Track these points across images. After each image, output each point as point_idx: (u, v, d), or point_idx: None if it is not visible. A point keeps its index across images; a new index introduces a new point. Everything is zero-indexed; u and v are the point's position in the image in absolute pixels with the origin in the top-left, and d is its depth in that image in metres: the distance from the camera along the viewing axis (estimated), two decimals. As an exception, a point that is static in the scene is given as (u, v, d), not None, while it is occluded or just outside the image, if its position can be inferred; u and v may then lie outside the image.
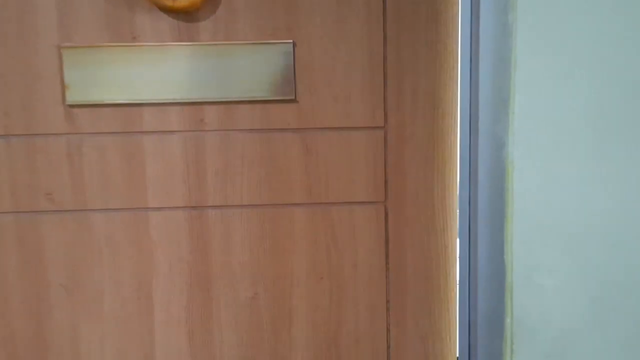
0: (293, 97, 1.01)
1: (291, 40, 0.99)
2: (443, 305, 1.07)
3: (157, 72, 0.99)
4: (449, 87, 1.02)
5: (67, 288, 1.05)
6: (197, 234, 1.04)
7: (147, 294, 1.05)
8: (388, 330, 1.07)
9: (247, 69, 1.00)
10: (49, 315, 1.05)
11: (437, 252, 1.05)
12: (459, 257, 0.86)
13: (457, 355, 1.05)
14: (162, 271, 1.05)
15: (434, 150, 1.03)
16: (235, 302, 1.06)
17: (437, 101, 1.02)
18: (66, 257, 1.04)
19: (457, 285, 0.87)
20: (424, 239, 1.05)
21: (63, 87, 1.00)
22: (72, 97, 1.00)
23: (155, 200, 1.03)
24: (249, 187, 1.03)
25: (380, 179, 1.03)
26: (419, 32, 1.00)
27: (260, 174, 1.03)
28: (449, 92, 1.02)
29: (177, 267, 1.04)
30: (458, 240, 0.85)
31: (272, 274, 1.05)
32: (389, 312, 1.07)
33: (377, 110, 1.02)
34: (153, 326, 1.06)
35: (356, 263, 1.05)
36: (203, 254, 1.04)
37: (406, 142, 1.02)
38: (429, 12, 0.99)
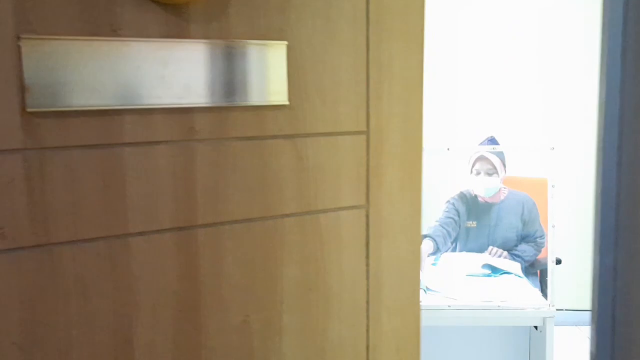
0: (286, 102, 0.95)
1: (285, 41, 0.94)
2: (411, 299, 1.12)
3: (141, 72, 0.84)
4: (417, 91, 1.07)
5: (21, 347, 0.81)
6: (186, 258, 0.91)
7: (126, 338, 0.88)
8: (368, 330, 1.08)
9: (241, 70, 0.91)
10: (2, 387, 0.80)
11: (406, 248, 1.10)
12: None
13: None
14: (145, 307, 0.89)
15: (404, 153, 1.08)
16: (225, 329, 0.95)
17: (407, 105, 1.07)
18: (21, 307, 0.81)
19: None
20: (396, 238, 1.09)
21: (22, 90, 0.77)
22: (34, 102, 0.78)
23: (137, 224, 0.87)
24: (241, 201, 0.94)
25: (363, 183, 1.04)
26: (396, 39, 1.03)
27: (253, 186, 0.94)
28: (417, 96, 1.08)
29: (163, 300, 0.90)
30: (590, 336, 0.45)
31: (262, 293, 0.98)
32: (368, 314, 1.08)
33: (361, 115, 1.02)
34: (136, 374, 0.89)
35: (341, 269, 1.04)
36: (192, 281, 0.92)
37: (383, 146, 1.05)
38: (402, 22, 1.04)
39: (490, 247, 2.87)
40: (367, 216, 1.05)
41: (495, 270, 2.65)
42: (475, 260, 2.73)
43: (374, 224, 1.06)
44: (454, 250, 2.96)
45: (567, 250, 3.22)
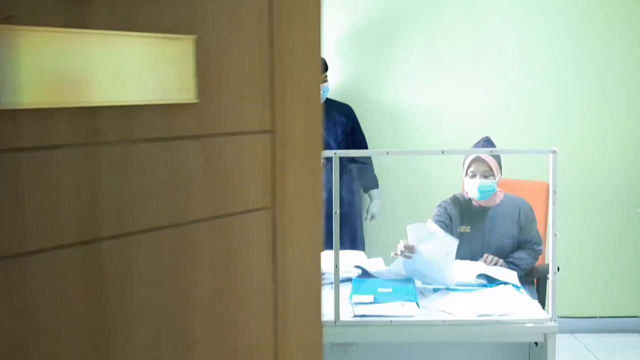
0: (194, 100, 0.89)
1: (193, 36, 0.87)
2: (313, 299, 1.12)
3: (38, 66, 0.73)
4: (316, 90, 1.07)
5: None
6: (91, 275, 0.81)
7: (25, 370, 0.76)
8: (275, 335, 1.06)
9: (147, 65, 0.83)
10: None
11: (310, 249, 1.09)
12: None
13: None
14: (47, 334, 0.78)
15: (306, 152, 1.06)
16: (135, 349, 0.87)
17: (308, 103, 1.05)
18: None
19: None
20: (301, 239, 1.07)
21: None
22: None
23: (36, 240, 0.76)
24: (149, 208, 0.86)
25: (269, 184, 1.01)
26: (297, 37, 1.02)
27: (161, 191, 0.87)
28: (316, 94, 1.07)
29: (66, 325, 0.79)
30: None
31: (173, 306, 0.91)
32: (276, 318, 1.05)
33: (266, 114, 0.99)
34: (38, 412, 0.78)
35: (250, 274, 1.00)
36: (98, 299, 0.82)
37: (287, 146, 1.03)
38: (302, 18, 1.02)
39: (486, 255, 2.64)
40: (274, 218, 1.02)
41: (491, 280, 2.42)
42: (469, 270, 2.48)
43: (280, 226, 1.03)
44: None
45: (564, 256, 3.02)
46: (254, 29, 0.95)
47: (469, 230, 2.70)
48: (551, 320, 2.13)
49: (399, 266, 2.51)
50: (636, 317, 3.74)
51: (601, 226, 3.62)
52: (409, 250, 2.44)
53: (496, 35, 3.60)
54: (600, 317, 3.64)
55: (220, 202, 0.95)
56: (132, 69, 0.81)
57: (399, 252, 2.47)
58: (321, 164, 1.11)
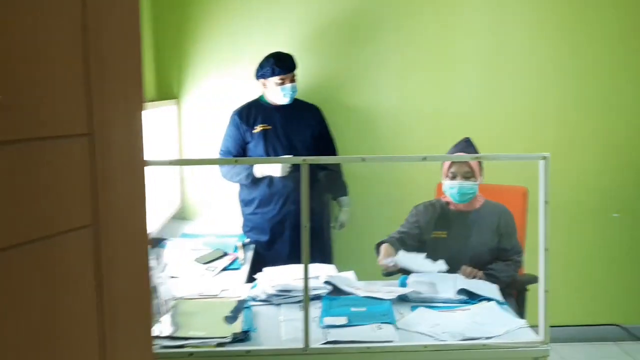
0: (-7, 98, 0.70)
1: (-12, 16, 0.69)
2: (144, 325, 0.97)
3: None
4: (137, 88, 0.93)
5: None
6: None
7: None
8: (103, 371, 0.89)
9: None
10: None
11: (138, 268, 0.96)
12: None
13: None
14: None
15: (130, 159, 0.92)
16: None
17: (128, 103, 0.92)
18: None
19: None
20: (128, 258, 0.93)
21: None
22: None
23: None
24: (-60, 237, 0.66)
25: (89, 197, 0.85)
26: (114, 25, 0.88)
27: (-45, 214, 0.67)
28: (137, 93, 0.94)
29: None
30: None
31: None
32: (104, 353, 0.89)
33: (82, 114, 0.83)
34: None
35: (71, 307, 0.83)
36: None
37: (110, 151, 0.88)
38: (120, 5, 0.89)
39: (464, 267, 2.44)
40: (97, 237, 0.87)
41: (472, 295, 2.22)
42: (448, 284, 2.26)
43: (106, 246, 0.88)
44: None
45: (538, 263, 2.65)
46: (65, 13, 0.80)
47: (445, 235, 2.54)
48: (543, 344, 1.94)
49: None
50: (613, 325, 3.53)
51: (575, 232, 3.42)
52: (391, 266, 2.43)
53: (472, 34, 3.40)
54: (576, 326, 3.44)
55: (32, 223, 0.77)
56: None
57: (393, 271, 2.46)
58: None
